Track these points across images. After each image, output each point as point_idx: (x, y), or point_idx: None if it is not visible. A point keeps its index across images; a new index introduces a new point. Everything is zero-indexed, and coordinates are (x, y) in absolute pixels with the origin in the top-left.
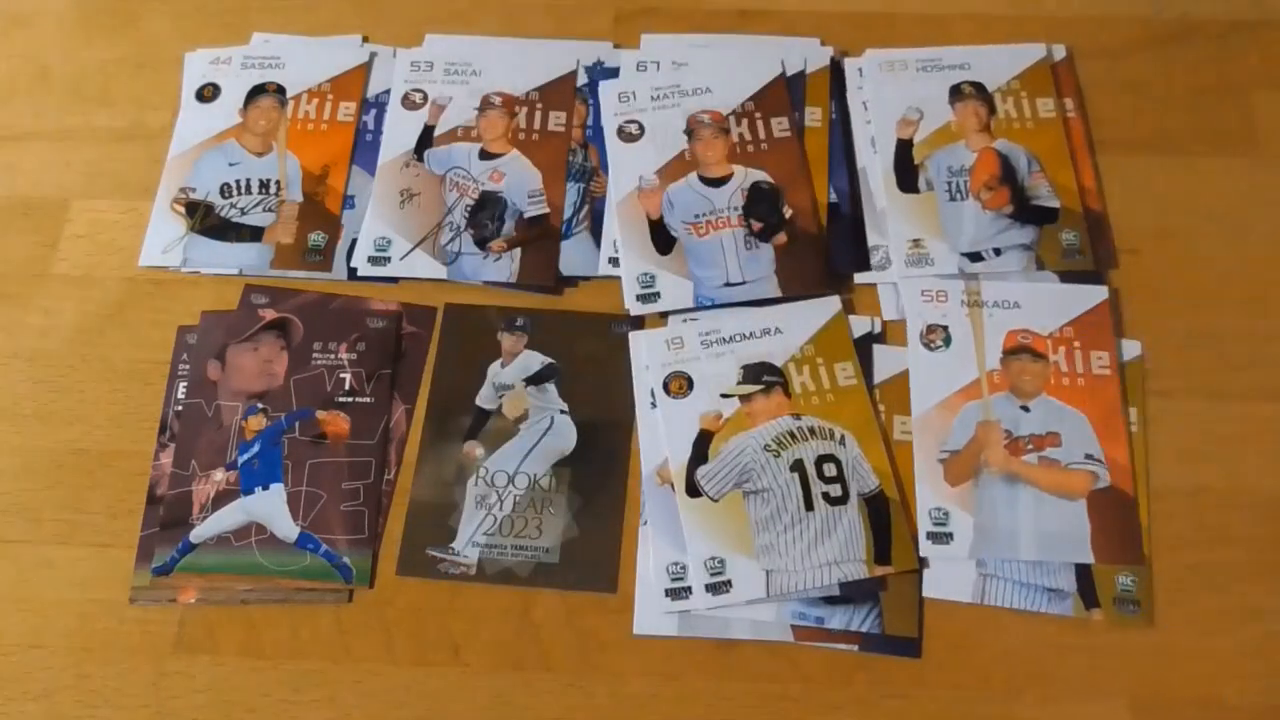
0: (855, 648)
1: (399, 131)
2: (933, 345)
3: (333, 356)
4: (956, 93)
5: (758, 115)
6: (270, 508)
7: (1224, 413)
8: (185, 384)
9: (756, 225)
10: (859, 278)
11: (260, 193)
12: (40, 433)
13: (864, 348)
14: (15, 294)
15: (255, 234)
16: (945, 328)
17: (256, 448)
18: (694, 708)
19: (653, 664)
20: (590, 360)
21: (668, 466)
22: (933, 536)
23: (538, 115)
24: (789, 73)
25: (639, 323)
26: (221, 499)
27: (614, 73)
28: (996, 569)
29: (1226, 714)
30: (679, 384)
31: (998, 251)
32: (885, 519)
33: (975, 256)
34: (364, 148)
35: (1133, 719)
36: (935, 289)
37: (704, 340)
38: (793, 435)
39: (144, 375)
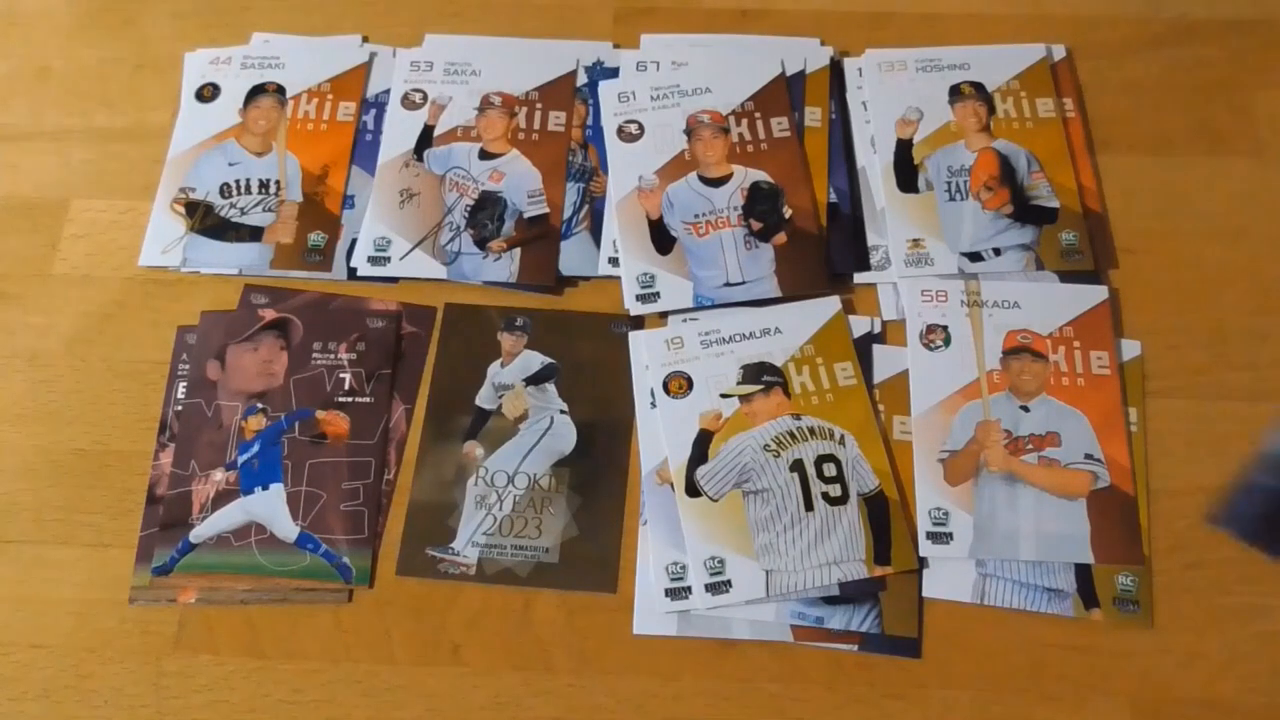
0: (855, 648)
1: (399, 131)
2: (933, 345)
3: (333, 356)
4: (956, 93)
5: (757, 115)
6: (270, 508)
7: (1224, 413)
8: (185, 384)
9: (756, 225)
10: (859, 278)
11: (260, 193)
12: (40, 433)
13: (864, 348)
14: (15, 294)
15: (255, 234)
16: (945, 328)
17: (256, 448)
18: (694, 708)
19: (653, 664)
20: (590, 360)
21: (667, 466)
22: (932, 536)
23: (537, 115)
24: (789, 73)
25: (639, 323)
26: (221, 499)
27: (614, 73)
28: (996, 569)
29: (1226, 714)
30: (679, 384)
31: (997, 251)
32: (885, 519)
33: (975, 256)
34: (364, 148)
35: (1133, 719)
36: (935, 289)
37: (704, 340)
38: (792, 435)
39: (144, 375)
